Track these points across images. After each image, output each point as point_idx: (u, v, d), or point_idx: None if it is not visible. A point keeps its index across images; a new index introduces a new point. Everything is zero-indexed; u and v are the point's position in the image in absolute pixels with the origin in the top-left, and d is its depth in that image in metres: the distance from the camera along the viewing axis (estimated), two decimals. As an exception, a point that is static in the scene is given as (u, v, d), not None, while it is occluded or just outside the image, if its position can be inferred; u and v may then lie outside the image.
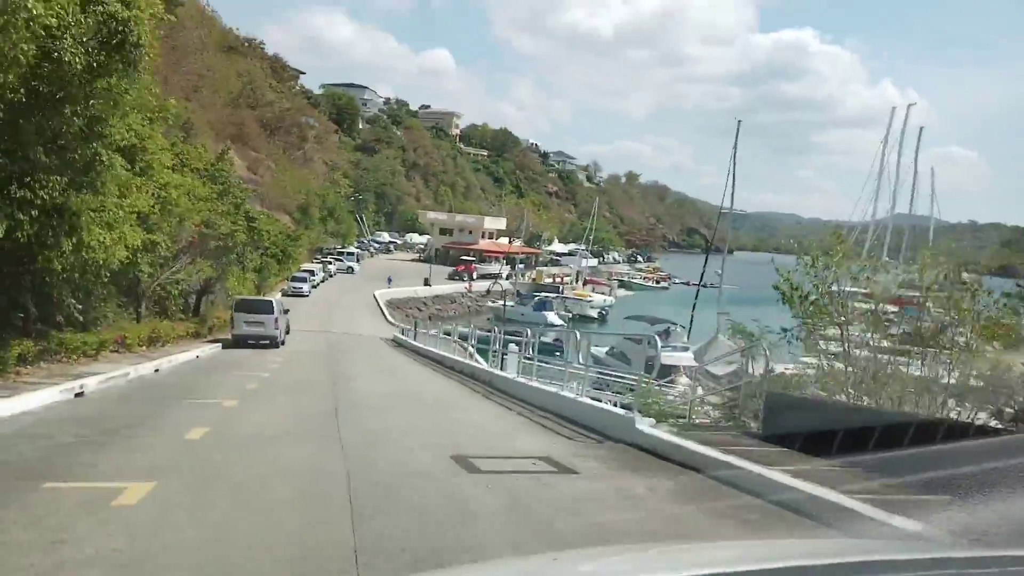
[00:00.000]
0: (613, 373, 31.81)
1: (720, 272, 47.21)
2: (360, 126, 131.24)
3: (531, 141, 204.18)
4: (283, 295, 49.64)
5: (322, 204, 74.37)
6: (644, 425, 8.71)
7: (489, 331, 34.92)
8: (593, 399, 13.96)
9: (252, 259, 42.95)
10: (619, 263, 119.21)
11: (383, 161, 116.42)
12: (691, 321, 45.41)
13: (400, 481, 6.28)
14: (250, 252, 41.04)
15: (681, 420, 9.53)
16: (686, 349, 37.57)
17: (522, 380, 14.59)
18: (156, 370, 16.70)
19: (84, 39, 10.03)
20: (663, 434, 8.20)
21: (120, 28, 10.29)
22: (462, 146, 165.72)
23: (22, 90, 9.71)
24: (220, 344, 25.15)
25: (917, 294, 9.96)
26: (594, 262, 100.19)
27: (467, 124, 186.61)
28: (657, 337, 16.65)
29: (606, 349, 38.30)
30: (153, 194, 16.17)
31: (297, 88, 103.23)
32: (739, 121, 41.99)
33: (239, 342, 25.45)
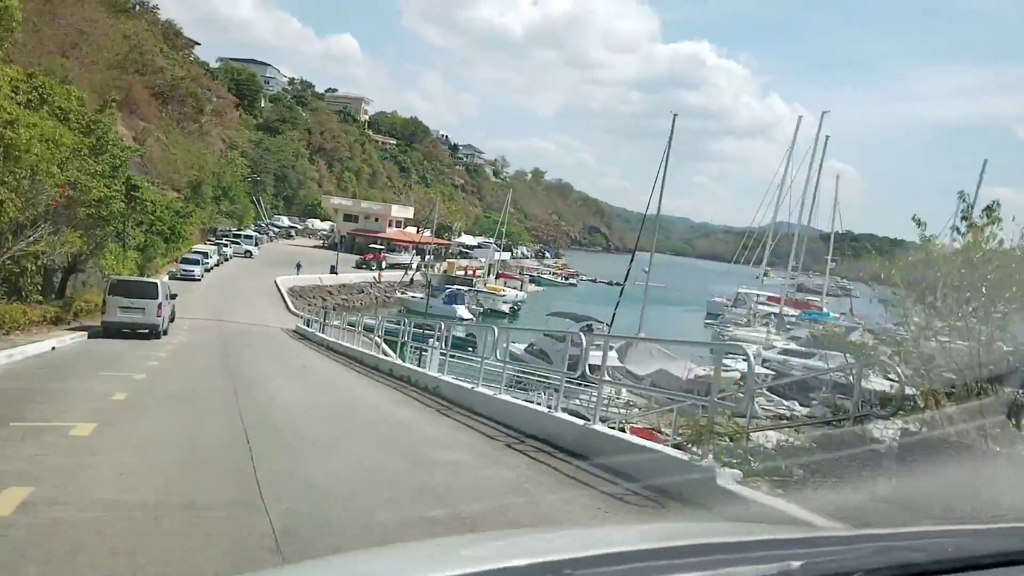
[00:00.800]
0: (537, 371, 29.12)
1: (647, 270, 45.36)
2: (262, 104, 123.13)
3: (441, 132, 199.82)
4: (171, 279, 44.06)
5: (217, 183, 67.91)
6: (729, 482, 5.69)
7: (398, 323, 31.46)
8: (571, 412, 11.21)
9: (134, 235, 37.52)
10: (527, 258, 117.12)
11: (286, 143, 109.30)
12: (612, 318, 43.24)
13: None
14: (132, 226, 35.75)
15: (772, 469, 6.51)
16: (610, 348, 35.39)
17: (484, 391, 11.41)
18: (-14, 368, 12.42)
19: None
20: (785, 505, 5.17)
21: None
22: (370, 133, 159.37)
23: None
24: (86, 333, 20.52)
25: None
26: (506, 255, 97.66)
27: (376, 111, 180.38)
28: (583, 335, 14.38)
29: (524, 346, 35.66)
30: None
31: (192, 59, 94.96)
32: (675, 115, 40.10)
33: (110, 331, 20.90)
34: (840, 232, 78.59)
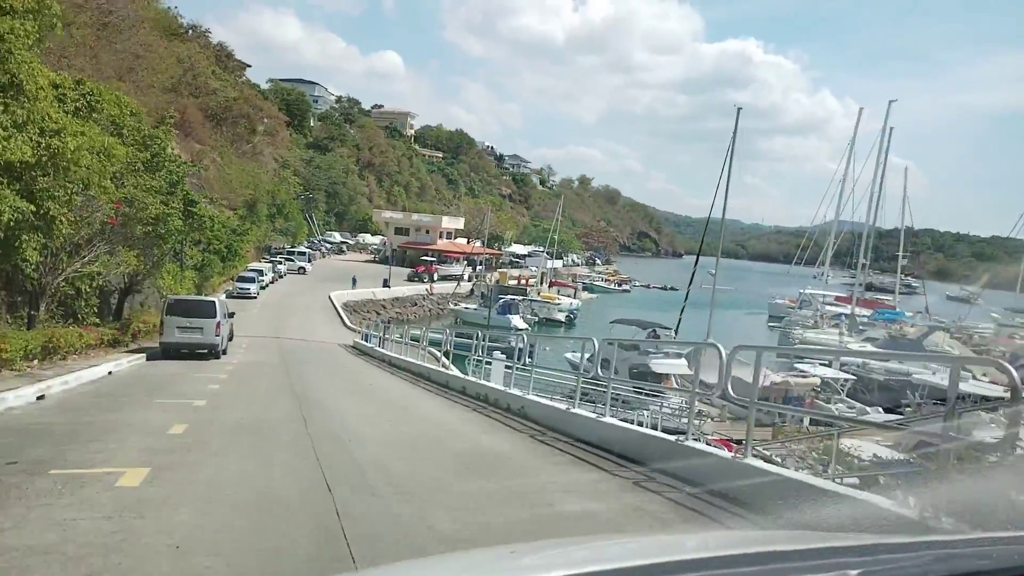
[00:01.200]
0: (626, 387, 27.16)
1: (713, 272, 43.28)
2: (311, 123, 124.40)
3: (486, 144, 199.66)
4: (227, 297, 43.76)
5: (271, 201, 68.09)
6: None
7: (465, 336, 30.22)
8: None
9: (192, 254, 37.19)
10: (578, 265, 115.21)
11: (336, 159, 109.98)
12: (678, 324, 41.30)
13: None
14: (190, 245, 35.37)
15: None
16: (678, 356, 33.57)
17: (584, 413, 9.90)
18: (40, 397, 11.39)
19: None
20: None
21: None
22: (416, 147, 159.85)
23: None
24: (144, 355, 19.71)
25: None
26: (558, 263, 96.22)
27: (422, 125, 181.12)
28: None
29: (582, 355, 33.82)
30: (32, 139, 10.86)
31: (244, 80, 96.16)
32: (739, 109, 37.99)
33: (169, 352, 20.08)
34: (897, 228, 74.75)
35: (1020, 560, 1.34)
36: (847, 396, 31.59)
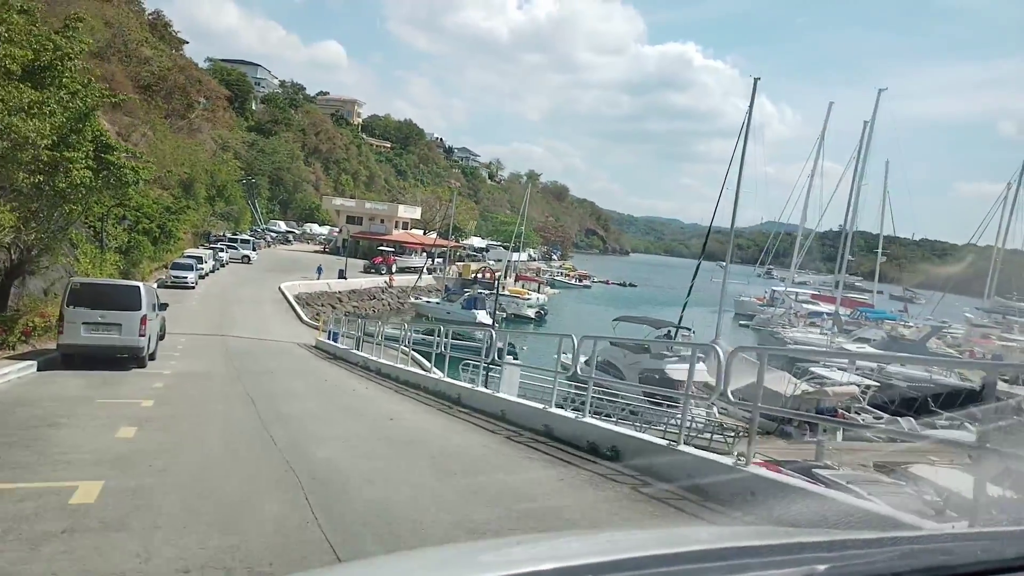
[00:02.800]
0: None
1: (724, 265, 38.61)
2: (253, 107, 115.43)
3: (435, 136, 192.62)
4: (160, 287, 36.80)
5: (210, 181, 60.50)
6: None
7: (463, 336, 25.37)
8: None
9: (116, 234, 30.38)
10: (534, 260, 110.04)
11: (281, 144, 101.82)
12: (679, 322, 36.43)
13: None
14: (112, 222, 28.66)
15: None
16: (701, 359, 28.79)
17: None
18: None
19: None
20: None
21: None
22: (364, 136, 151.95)
23: None
24: (35, 363, 13.46)
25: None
26: (524, 256, 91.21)
27: (369, 114, 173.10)
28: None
29: (574, 357, 29.04)
30: None
31: (180, 54, 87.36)
32: (756, 80, 33.07)
33: (72, 358, 13.94)
34: (832, 230, 71.92)
35: (982, 556, 1.33)
36: (868, 404, 27.32)
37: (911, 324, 49.90)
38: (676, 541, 1.63)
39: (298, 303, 40.83)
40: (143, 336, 14.64)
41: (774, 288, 68.57)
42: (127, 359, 14.72)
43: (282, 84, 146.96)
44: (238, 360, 18.64)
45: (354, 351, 21.32)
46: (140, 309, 14.58)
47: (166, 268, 40.42)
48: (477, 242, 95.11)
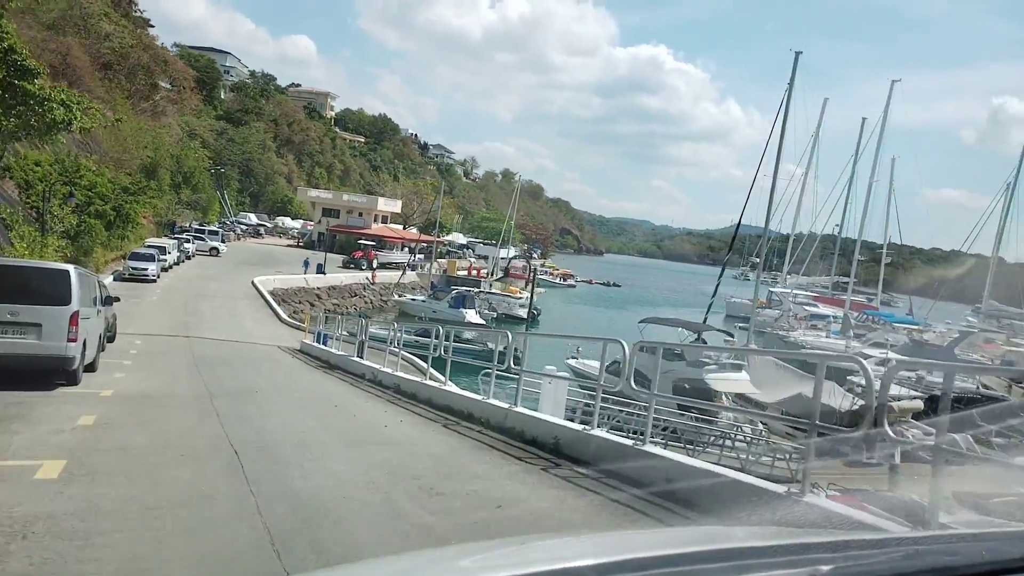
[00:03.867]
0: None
1: (756, 262, 34.87)
2: (222, 95, 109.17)
3: (410, 131, 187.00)
4: (117, 279, 31.86)
5: (175, 166, 55.07)
6: None
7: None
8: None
9: (62, 215, 25.52)
10: (516, 258, 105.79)
11: (251, 132, 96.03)
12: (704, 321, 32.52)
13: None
14: (58, 202, 23.89)
15: None
16: (738, 368, 24.98)
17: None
18: None
19: None
20: None
21: None
22: (337, 130, 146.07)
23: None
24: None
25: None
26: (514, 253, 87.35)
27: (342, 108, 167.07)
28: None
29: (602, 363, 25.21)
30: None
31: (144, 32, 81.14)
32: (797, 54, 29.11)
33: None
34: (802, 233, 70.05)
35: (986, 556, 1.30)
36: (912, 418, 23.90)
37: (934, 329, 46.92)
38: (679, 542, 1.57)
39: (274, 299, 36.08)
40: (73, 341, 10.11)
41: (771, 290, 65.26)
42: (50, 371, 10.20)
43: (252, 74, 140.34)
44: (208, 371, 14.12)
45: (355, 359, 16.89)
46: (70, 303, 10.07)
47: (124, 259, 35.37)
48: (459, 238, 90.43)
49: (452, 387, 12.12)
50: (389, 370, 14.03)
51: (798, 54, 29.16)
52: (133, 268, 33.89)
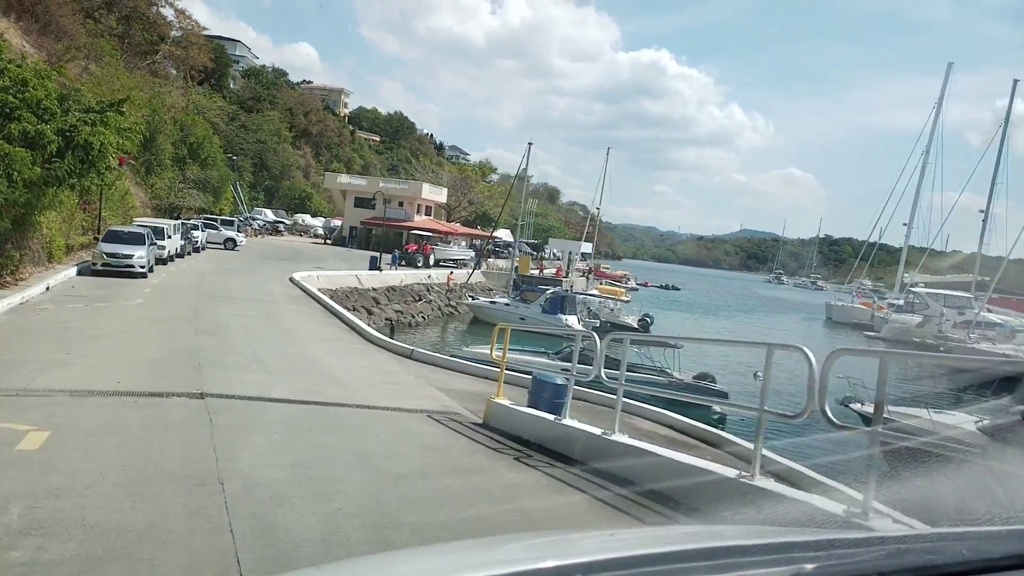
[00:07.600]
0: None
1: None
2: (231, 85, 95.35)
3: (425, 131, 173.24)
4: (81, 273, 17.99)
5: (179, 135, 41.26)
6: None
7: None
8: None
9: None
10: (557, 259, 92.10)
11: (266, 120, 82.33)
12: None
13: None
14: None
15: None
16: None
17: None
18: None
19: None
20: None
21: None
22: (352, 127, 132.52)
23: None
24: None
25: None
26: (587, 248, 74.19)
27: (356, 106, 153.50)
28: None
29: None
30: None
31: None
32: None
33: None
34: (801, 238, 55.67)
35: (968, 555, 1.29)
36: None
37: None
38: (663, 540, 1.55)
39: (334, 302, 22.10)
40: None
41: (911, 290, 51.64)
42: None
43: (263, 67, 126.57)
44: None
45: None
46: None
47: (96, 239, 21.54)
48: (503, 234, 76.45)
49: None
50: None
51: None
52: (109, 255, 20.04)
